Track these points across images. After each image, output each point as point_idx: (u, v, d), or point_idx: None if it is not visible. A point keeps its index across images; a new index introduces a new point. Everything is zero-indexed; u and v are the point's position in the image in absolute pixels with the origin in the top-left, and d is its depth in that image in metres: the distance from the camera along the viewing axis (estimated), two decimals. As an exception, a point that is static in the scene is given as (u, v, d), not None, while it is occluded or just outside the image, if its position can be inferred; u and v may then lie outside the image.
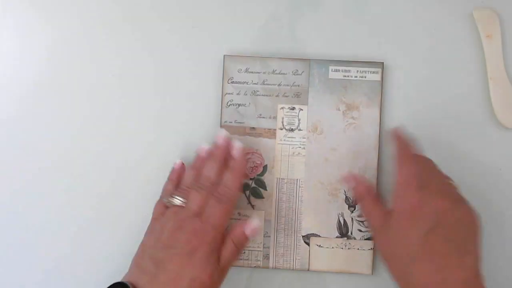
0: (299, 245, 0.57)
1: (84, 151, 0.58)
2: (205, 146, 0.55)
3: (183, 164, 0.56)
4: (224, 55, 0.57)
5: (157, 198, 0.55)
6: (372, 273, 0.56)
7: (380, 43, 0.58)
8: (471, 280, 0.45)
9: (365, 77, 0.57)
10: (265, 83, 0.57)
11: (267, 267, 0.57)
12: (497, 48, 0.57)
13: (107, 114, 0.58)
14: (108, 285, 0.48)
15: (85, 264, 0.58)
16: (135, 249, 0.52)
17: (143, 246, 0.52)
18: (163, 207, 0.53)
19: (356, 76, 0.57)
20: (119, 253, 0.56)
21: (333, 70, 0.57)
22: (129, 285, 0.48)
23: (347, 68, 0.57)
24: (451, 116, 0.57)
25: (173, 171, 0.56)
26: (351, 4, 0.58)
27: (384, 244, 0.50)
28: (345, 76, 0.57)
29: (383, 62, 0.57)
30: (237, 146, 0.54)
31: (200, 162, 0.54)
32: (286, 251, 0.57)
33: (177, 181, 0.55)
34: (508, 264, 0.57)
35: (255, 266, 0.57)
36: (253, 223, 0.52)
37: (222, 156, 0.54)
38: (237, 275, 0.57)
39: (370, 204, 0.53)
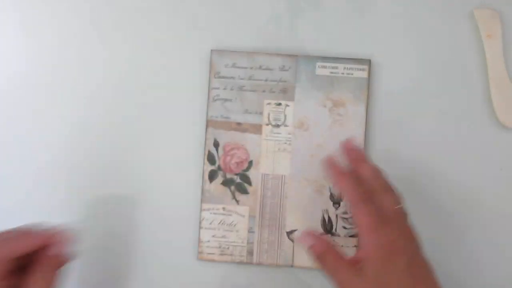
0: (283, 241, 0.57)
1: (68, 146, 0.58)
2: None
3: None
4: (211, 50, 0.57)
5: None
6: (356, 271, 0.56)
7: (374, 42, 0.58)
8: None
9: (352, 74, 0.57)
10: (251, 78, 0.57)
11: (251, 263, 0.57)
12: (498, 48, 0.57)
13: (92, 108, 0.58)
14: None
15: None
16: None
17: None
18: None
19: (343, 73, 0.57)
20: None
21: (320, 66, 0.57)
22: None
23: (334, 65, 0.57)
24: (451, 116, 0.57)
25: None
26: (350, 4, 0.58)
27: None
28: (332, 72, 0.57)
29: (370, 59, 0.57)
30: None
31: None
32: (270, 247, 0.57)
33: None
34: (509, 263, 0.57)
35: (239, 262, 0.57)
36: None
37: None
38: (220, 270, 0.57)
39: (334, 260, 0.48)
